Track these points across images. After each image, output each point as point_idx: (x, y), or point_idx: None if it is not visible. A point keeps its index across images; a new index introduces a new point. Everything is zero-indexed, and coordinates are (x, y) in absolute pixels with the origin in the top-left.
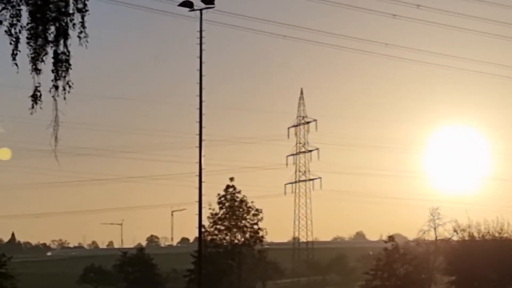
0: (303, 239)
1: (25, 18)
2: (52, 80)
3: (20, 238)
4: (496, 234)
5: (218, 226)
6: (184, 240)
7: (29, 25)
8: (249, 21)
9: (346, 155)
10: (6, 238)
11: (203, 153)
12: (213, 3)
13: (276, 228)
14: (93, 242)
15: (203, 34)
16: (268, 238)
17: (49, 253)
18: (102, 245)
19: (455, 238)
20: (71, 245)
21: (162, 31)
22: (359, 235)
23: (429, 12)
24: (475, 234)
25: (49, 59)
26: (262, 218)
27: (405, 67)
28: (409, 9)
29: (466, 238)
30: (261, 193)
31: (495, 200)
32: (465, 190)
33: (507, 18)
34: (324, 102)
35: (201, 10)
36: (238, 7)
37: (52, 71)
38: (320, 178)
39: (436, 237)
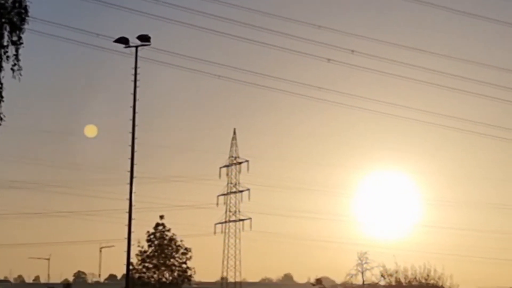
0: (231, 279)
1: None
2: None
3: None
4: (423, 280)
5: (146, 264)
6: (112, 276)
7: None
8: (185, 60)
9: (277, 196)
10: None
11: (134, 190)
12: (149, 41)
13: (205, 268)
14: (19, 276)
15: (138, 71)
16: (197, 278)
17: None
18: (29, 279)
19: (382, 283)
20: None
21: (97, 67)
22: (287, 277)
23: (363, 58)
24: (402, 280)
25: None
26: (191, 257)
27: (338, 111)
28: (344, 54)
29: (393, 283)
30: (190, 232)
31: (423, 247)
32: (394, 235)
33: (443, 67)
34: (257, 143)
35: (136, 47)
36: (174, 45)
37: None
38: (250, 218)
39: (364, 281)
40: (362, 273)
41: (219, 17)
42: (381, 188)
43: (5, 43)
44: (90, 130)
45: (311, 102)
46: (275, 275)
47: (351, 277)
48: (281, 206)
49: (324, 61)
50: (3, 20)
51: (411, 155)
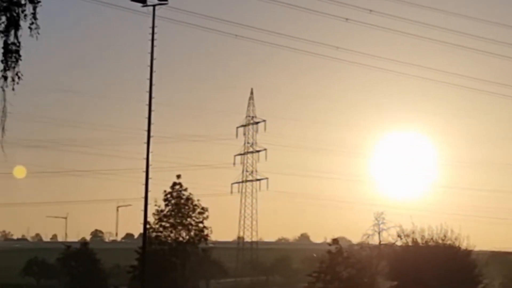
0: (247, 239)
1: None
2: (1, 71)
3: None
4: (440, 241)
5: (163, 223)
6: (129, 236)
7: None
8: (202, 19)
9: (294, 156)
10: None
11: (150, 150)
12: (166, 0)
13: (221, 227)
14: (37, 235)
15: (155, 30)
16: (213, 237)
17: None
18: (46, 238)
19: (398, 243)
20: (14, 237)
21: (114, 26)
22: (304, 237)
23: (381, 17)
24: (419, 240)
25: None
26: (207, 217)
27: (356, 71)
28: (362, 13)
29: (410, 243)
30: (207, 192)
31: (440, 207)
32: (410, 196)
33: (459, 26)
34: (274, 103)
35: (154, 6)
36: (191, 4)
37: (2, 61)
38: (267, 178)
39: (380, 241)
40: (379, 233)
41: None
42: (397, 149)
43: (22, 1)
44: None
45: (328, 61)
46: (291, 235)
47: (368, 237)
48: (298, 166)
49: (342, 21)
50: None
51: (428, 115)
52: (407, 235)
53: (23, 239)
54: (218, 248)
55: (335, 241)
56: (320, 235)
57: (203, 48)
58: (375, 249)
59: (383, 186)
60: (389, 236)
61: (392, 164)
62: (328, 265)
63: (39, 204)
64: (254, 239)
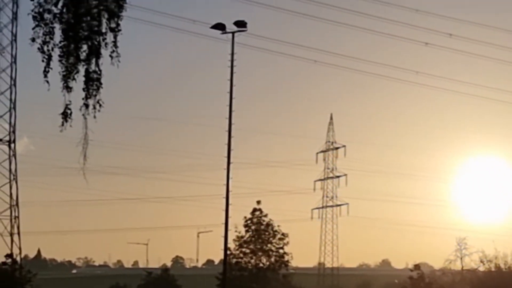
0: (328, 264)
1: (58, 36)
2: (83, 99)
3: (46, 254)
4: None
5: (243, 249)
6: (209, 262)
7: (62, 43)
8: (281, 45)
9: (374, 182)
10: (32, 254)
11: (230, 176)
12: (245, 26)
13: (302, 253)
14: (119, 261)
15: (235, 57)
16: (294, 263)
17: (74, 271)
18: (127, 264)
19: (481, 268)
20: (96, 264)
21: (194, 53)
22: (385, 263)
23: (461, 41)
24: (502, 266)
25: (80, 77)
26: (288, 243)
27: (436, 95)
28: (441, 37)
29: (493, 269)
30: (287, 217)
31: None
32: (493, 220)
33: None
34: (354, 128)
35: (233, 33)
36: (270, 30)
37: (83, 89)
38: (347, 204)
39: (462, 267)
40: (461, 258)
41: (315, 2)
42: (479, 173)
43: (103, 30)
44: None
45: (408, 86)
46: (372, 261)
47: (450, 262)
48: (379, 191)
49: (422, 45)
50: (101, 7)
51: (510, 139)
52: (490, 261)
53: (104, 266)
54: (298, 274)
55: (417, 266)
56: (402, 261)
57: (282, 74)
58: (458, 274)
59: (465, 210)
60: (472, 262)
61: (473, 189)
62: None
63: (120, 230)
64: (335, 265)
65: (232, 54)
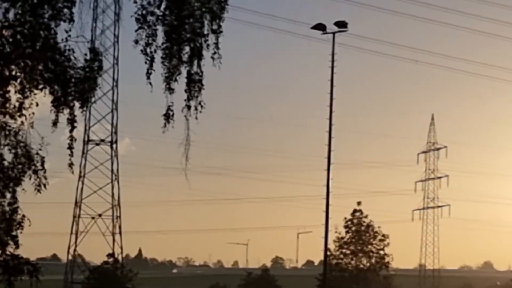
0: (429, 266)
1: (160, 38)
2: (185, 100)
3: (147, 254)
4: None
5: (343, 250)
6: (309, 262)
7: (164, 45)
8: (382, 45)
9: (476, 183)
10: (133, 254)
11: (331, 176)
12: (346, 27)
13: (402, 254)
14: (219, 261)
15: (335, 57)
16: (394, 264)
17: (174, 270)
18: (227, 264)
19: None
20: (196, 263)
21: (294, 53)
22: (487, 265)
23: None
24: None
25: (182, 79)
26: (388, 244)
27: None
28: None
29: None
30: (388, 218)
31: None
32: None
33: None
34: (455, 129)
35: (334, 33)
36: (371, 31)
37: (185, 90)
38: (449, 205)
39: None
40: None
41: (416, 2)
42: None
43: (205, 32)
44: None
45: (510, 85)
46: (474, 263)
47: None
48: (481, 193)
49: None
50: (204, 9)
51: None
52: None
53: (204, 265)
54: (399, 275)
55: None
56: (504, 263)
57: (383, 74)
58: None
59: None
60: None
61: None
62: None
63: (220, 230)
64: (435, 267)
65: (333, 54)
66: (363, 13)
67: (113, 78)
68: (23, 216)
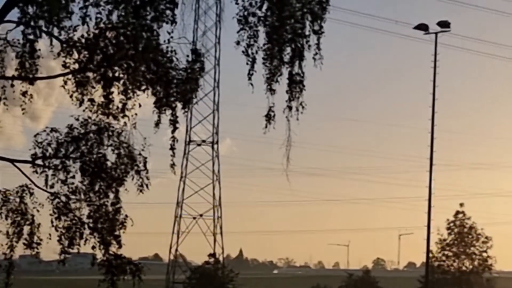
0: None
1: (262, 39)
2: (286, 101)
3: (248, 254)
4: None
5: (446, 252)
6: (411, 264)
7: (266, 46)
8: (485, 45)
9: None
10: (234, 254)
11: (433, 177)
12: (448, 27)
13: (507, 256)
14: (319, 262)
15: (438, 57)
16: (498, 266)
17: (275, 271)
18: (328, 265)
19: None
20: (297, 264)
21: (397, 54)
22: None
23: None
24: None
25: (283, 80)
26: (492, 246)
27: None
28: None
29: None
30: (492, 220)
31: None
32: None
33: None
34: None
35: (436, 33)
36: (474, 31)
37: (287, 91)
38: None
39: None
40: None
41: None
42: None
43: (306, 33)
44: None
45: None
46: None
47: None
48: None
49: None
50: (305, 10)
51: None
52: None
53: (305, 266)
54: (503, 277)
55: None
56: None
57: (486, 74)
58: None
59: None
60: None
61: None
62: None
63: (321, 231)
64: None
65: (435, 54)
66: (466, 12)
67: (215, 79)
68: (126, 216)
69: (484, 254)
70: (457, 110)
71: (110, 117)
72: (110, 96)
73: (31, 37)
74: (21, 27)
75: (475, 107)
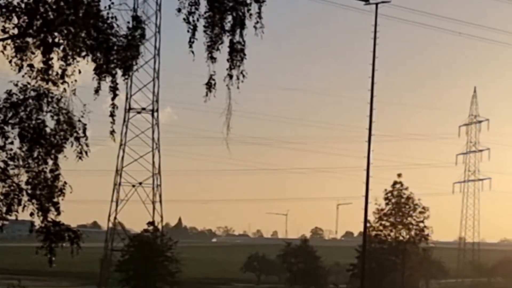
0: (469, 239)
1: (203, 6)
2: (227, 69)
3: (187, 223)
4: None
5: (383, 222)
6: (348, 234)
7: (207, 14)
8: (425, 17)
9: None
10: (173, 223)
11: (371, 148)
12: None
13: (442, 227)
14: (258, 231)
15: (378, 28)
16: (434, 237)
17: (214, 239)
18: (267, 234)
19: None
20: (236, 233)
21: (337, 24)
22: None
23: None
24: None
25: (224, 48)
26: (428, 216)
27: None
28: None
29: None
30: (428, 191)
31: None
32: None
33: None
34: (498, 102)
35: (376, 4)
36: (414, 2)
37: (227, 60)
38: (490, 178)
39: None
40: None
41: None
42: None
43: (248, 1)
44: None
45: None
46: None
47: None
48: None
49: None
50: None
51: None
52: None
53: (244, 235)
54: (438, 248)
55: None
56: None
57: (425, 46)
58: None
59: None
60: None
61: None
62: None
63: (261, 200)
64: (475, 240)
65: (375, 25)
66: None
67: (155, 47)
68: (65, 183)
69: (421, 224)
70: (397, 81)
71: (50, 83)
72: (50, 62)
73: None
74: None
75: (414, 79)
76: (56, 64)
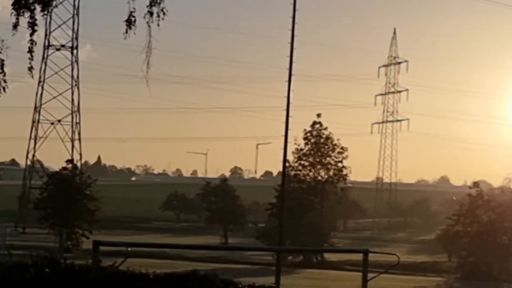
0: (386, 179)
1: None
2: (147, 6)
3: (106, 161)
4: None
5: (302, 162)
6: (268, 173)
7: None
8: None
9: (436, 98)
10: (92, 161)
11: (292, 88)
12: None
13: (360, 167)
14: (178, 170)
15: None
16: (352, 177)
17: (133, 178)
18: (186, 173)
19: None
20: (155, 172)
21: None
22: (443, 180)
23: None
24: None
25: None
26: (347, 156)
27: (501, 11)
28: None
29: None
30: (347, 131)
31: None
32: None
33: None
34: (417, 44)
35: None
36: None
37: None
38: (408, 119)
39: None
40: None
41: None
42: None
43: None
44: None
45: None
46: (431, 177)
47: (509, 181)
48: (440, 108)
49: None
50: None
51: None
52: None
53: (163, 174)
54: (356, 188)
55: (476, 184)
56: (460, 178)
57: None
58: None
59: None
60: None
61: None
62: (467, 209)
63: (180, 139)
64: (393, 180)
65: None
66: None
67: None
68: None
69: (339, 165)
70: (318, 22)
71: None
72: None
73: None
74: None
75: (335, 19)
76: None
